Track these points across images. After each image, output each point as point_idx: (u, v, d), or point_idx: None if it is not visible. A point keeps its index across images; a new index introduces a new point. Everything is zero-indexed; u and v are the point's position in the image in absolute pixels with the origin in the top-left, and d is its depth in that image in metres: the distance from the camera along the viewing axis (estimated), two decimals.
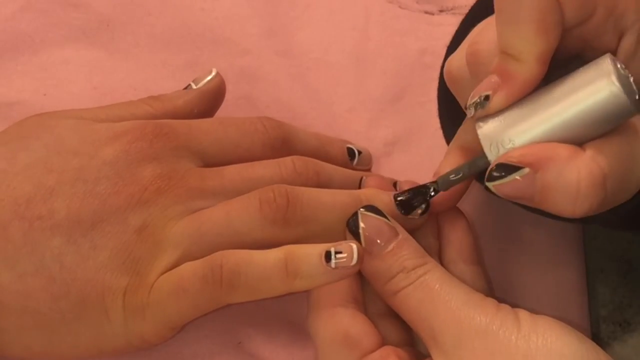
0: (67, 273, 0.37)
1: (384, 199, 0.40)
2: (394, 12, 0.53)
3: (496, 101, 0.35)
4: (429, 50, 0.53)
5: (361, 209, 0.38)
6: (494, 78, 0.35)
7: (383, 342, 0.38)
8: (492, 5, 0.35)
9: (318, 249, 0.36)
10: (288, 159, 0.41)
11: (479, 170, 0.37)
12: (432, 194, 0.40)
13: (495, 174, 0.34)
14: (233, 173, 0.40)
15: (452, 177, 0.39)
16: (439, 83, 0.45)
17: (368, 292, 0.40)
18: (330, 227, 0.39)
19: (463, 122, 0.42)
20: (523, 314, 0.35)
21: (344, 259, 0.36)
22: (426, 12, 0.53)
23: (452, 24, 0.53)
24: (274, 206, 0.38)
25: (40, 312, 0.37)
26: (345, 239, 0.38)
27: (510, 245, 0.47)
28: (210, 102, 0.45)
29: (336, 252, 0.36)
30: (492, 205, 0.47)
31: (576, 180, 0.32)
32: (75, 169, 0.39)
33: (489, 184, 0.35)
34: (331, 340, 0.37)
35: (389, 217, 0.38)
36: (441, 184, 0.39)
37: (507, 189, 0.34)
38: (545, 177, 0.33)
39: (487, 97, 0.35)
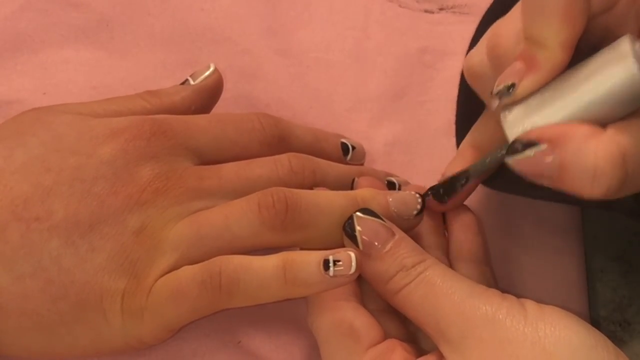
0: (65, 275, 0.37)
1: (380, 200, 0.40)
2: (394, 11, 0.53)
3: (522, 88, 0.35)
4: (429, 49, 0.53)
5: (356, 213, 0.38)
6: (518, 65, 0.35)
7: (386, 336, 0.38)
8: (506, 8, 0.36)
9: (317, 257, 0.36)
10: (285, 157, 0.41)
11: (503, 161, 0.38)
12: (463, 182, 0.40)
13: (513, 149, 0.34)
14: (230, 173, 0.40)
15: (482, 164, 0.40)
16: (460, 84, 0.44)
17: (366, 290, 0.40)
18: (328, 231, 0.39)
19: (477, 122, 0.42)
20: (529, 303, 0.35)
21: (342, 268, 0.36)
22: (426, 11, 0.53)
23: (452, 22, 0.53)
24: (273, 212, 0.38)
25: (39, 314, 0.37)
26: (342, 241, 0.38)
27: (511, 245, 0.47)
28: (207, 98, 0.45)
29: (334, 261, 0.36)
30: (492, 205, 0.47)
31: (593, 158, 0.32)
32: (72, 168, 0.38)
33: (508, 159, 0.35)
34: (335, 332, 0.37)
35: (384, 219, 0.38)
36: (473, 172, 0.40)
37: (525, 165, 0.34)
38: (563, 154, 0.33)
39: (512, 85, 0.35)
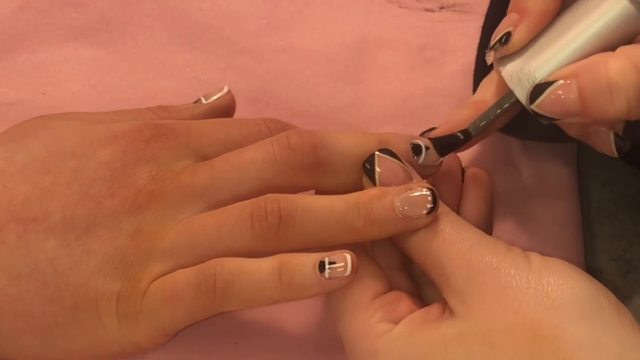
0: (60, 277, 0.36)
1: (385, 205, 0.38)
2: (394, 11, 0.53)
3: (517, 35, 0.37)
4: (430, 45, 0.53)
5: (377, 152, 0.38)
6: (513, 16, 0.37)
7: (392, 287, 0.38)
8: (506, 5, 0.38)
9: (312, 258, 0.36)
10: (283, 134, 0.39)
11: (507, 109, 0.39)
12: (462, 139, 0.40)
13: (534, 94, 0.36)
14: (222, 161, 0.39)
15: (482, 122, 0.40)
16: (478, 51, 0.46)
17: (377, 247, 0.40)
18: (324, 240, 0.37)
19: (484, 79, 0.43)
20: (534, 255, 0.35)
21: (338, 269, 0.36)
22: (426, 10, 0.53)
23: (453, 21, 0.53)
24: (265, 225, 0.36)
25: (34, 316, 0.37)
26: (341, 244, 0.37)
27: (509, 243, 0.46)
28: (219, 118, 0.44)
29: (330, 262, 0.36)
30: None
31: (605, 74, 0.34)
32: (71, 170, 0.38)
33: (533, 106, 0.37)
34: None
35: (405, 162, 0.38)
36: (473, 129, 0.40)
37: (549, 104, 0.36)
38: (580, 82, 0.35)
39: (508, 34, 0.37)
